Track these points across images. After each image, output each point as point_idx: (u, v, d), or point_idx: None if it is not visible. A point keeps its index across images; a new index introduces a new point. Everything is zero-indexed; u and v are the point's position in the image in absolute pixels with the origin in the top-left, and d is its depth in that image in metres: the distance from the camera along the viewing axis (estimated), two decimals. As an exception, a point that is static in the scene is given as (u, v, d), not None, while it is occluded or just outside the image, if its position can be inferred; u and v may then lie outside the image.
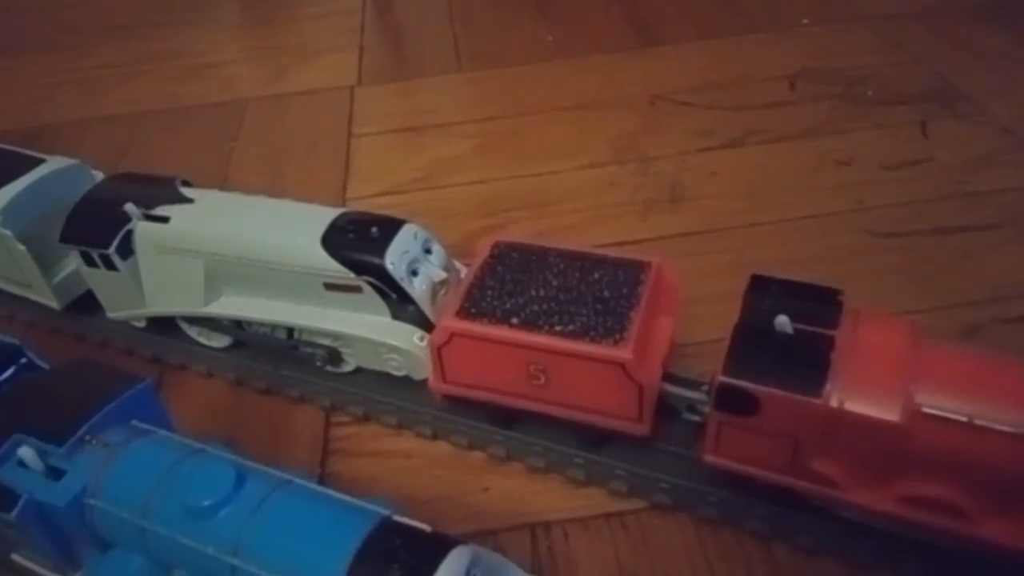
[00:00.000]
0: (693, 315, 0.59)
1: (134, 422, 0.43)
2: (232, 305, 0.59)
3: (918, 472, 0.40)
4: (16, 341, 0.50)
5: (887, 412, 0.39)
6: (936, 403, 0.39)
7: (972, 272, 0.65)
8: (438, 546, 0.35)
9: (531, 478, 0.53)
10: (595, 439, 0.52)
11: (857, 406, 0.40)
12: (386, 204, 0.81)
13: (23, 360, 0.49)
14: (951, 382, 0.40)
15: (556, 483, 0.53)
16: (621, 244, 0.72)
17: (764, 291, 0.45)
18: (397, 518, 0.37)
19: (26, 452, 0.41)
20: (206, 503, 0.38)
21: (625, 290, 0.49)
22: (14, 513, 0.39)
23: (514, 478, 0.54)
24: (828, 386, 0.40)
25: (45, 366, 0.49)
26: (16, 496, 0.40)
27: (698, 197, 0.78)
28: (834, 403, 0.40)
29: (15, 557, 0.46)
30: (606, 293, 0.49)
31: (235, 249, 0.56)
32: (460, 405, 0.55)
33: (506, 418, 0.54)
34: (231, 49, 1.20)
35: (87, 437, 0.42)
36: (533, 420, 0.53)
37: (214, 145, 0.95)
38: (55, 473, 0.41)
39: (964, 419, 0.38)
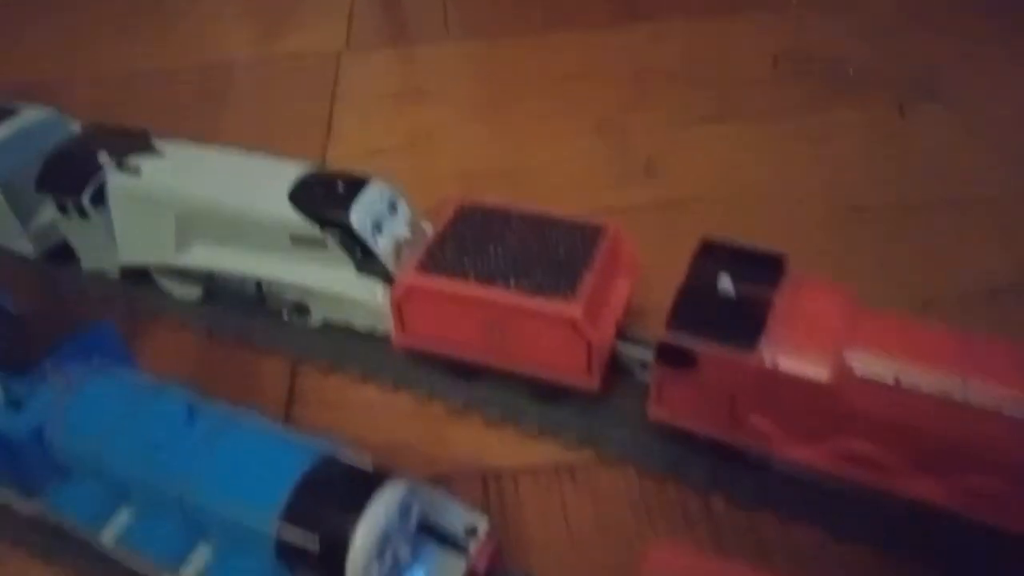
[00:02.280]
0: (659, 281, 0.60)
1: (95, 359, 0.45)
2: (202, 257, 0.60)
3: (848, 430, 0.42)
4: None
5: (817, 372, 0.41)
6: (865, 365, 0.40)
7: (934, 249, 0.67)
8: (376, 479, 0.37)
9: (487, 429, 0.55)
10: (549, 394, 0.53)
11: (789, 365, 0.41)
12: (366, 167, 0.81)
13: (-8, 301, 0.50)
14: (882, 346, 0.41)
15: (510, 434, 0.54)
16: (594, 213, 0.73)
17: (712, 254, 0.47)
18: (341, 456, 0.39)
19: (-12, 383, 0.42)
20: (160, 435, 0.39)
21: (580, 252, 0.51)
22: (-25, 440, 0.41)
23: (471, 428, 0.55)
24: (762, 345, 0.41)
25: (11, 310, 0.50)
26: (-23, 424, 0.41)
27: (673, 170, 0.79)
28: (767, 362, 0.41)
29: (-20, 487, 0.47)
30: (561, 254, 0.50)
31: (205, 201, 0.57)
32: (421, 358, 0.56)
33: (465, 371, 0.55)
34: (220, 11, 1.20)
35: (49, 370, 0.43)
36: (491, 374, 0.55)
37: (199, 107, 0.96)
38: (16, 405, 0.43)
39: (891, 381, 0.40)
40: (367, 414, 0.57)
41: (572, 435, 0.53)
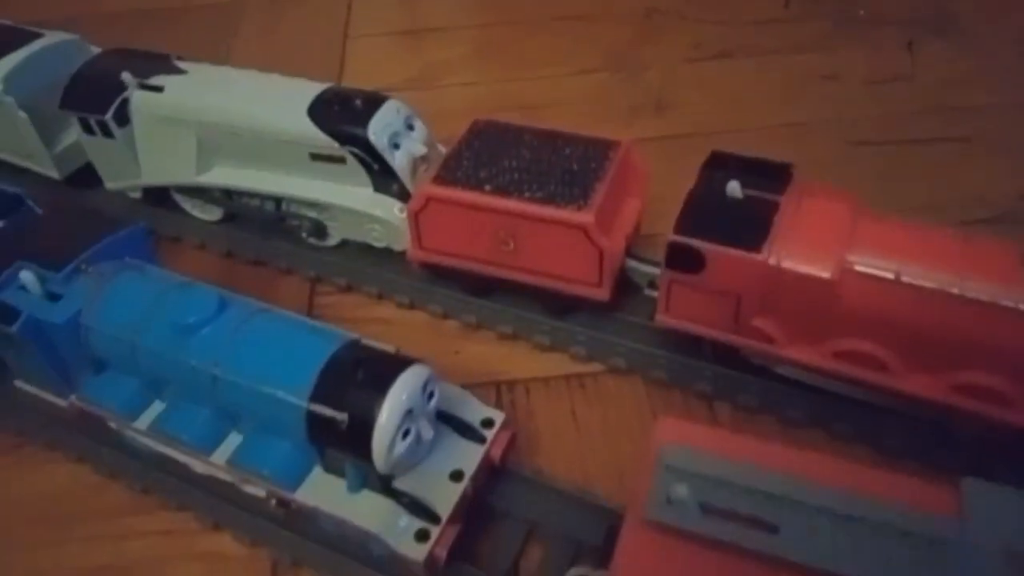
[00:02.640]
0: (666, 211, 0.62)
1: (127, 259, 0.47)
2: (223, 175, 0.62)
3: (848, 329, 0.43)
4: (18, 189, 0.53)
5: (820, 269, 0.42)
6: (866, 261, 0.42)
7: (940, 179, 0.68)
8: (400, 362, 0.39)
9: (500, 343, 0.57)
10: (560, 308, 0.55)
11: (793, 263, 0.43)
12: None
13: (23, 207, 0.52)
14: (883, 245, 0.42)
15: (523, 348, 0.56)
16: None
17: (721, 164, 0.48)
18: (365, 341, 0.41)
19: (27, 276, 0.44)
20: (191, 321, 0.41)
21: (593, 165, 0.52)
22: (15, 327, 0.43)
23: (484, 343, 0.57)
24: (768, 245, 0.43)
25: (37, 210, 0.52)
26: (17, 313, 0.43)
27: (683, 104, 0.80)
28: (772, 260, 0.43)
29: (18, 383, 0.50)
30: (574, 166, 0.52)
31: (226, 118, 0.58)
32: (436, 276, 0.58)
33: (479, 288, 0.57)
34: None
35: (83, 267, 0.45)
36: (504, 291, 0.56)
37: (212, 44, 0.96)
38: (53, 298, 0.45)
39: (891, 276, 0.41)
40: (384, 330, 0.59)
41: (581, 348, 0.55)
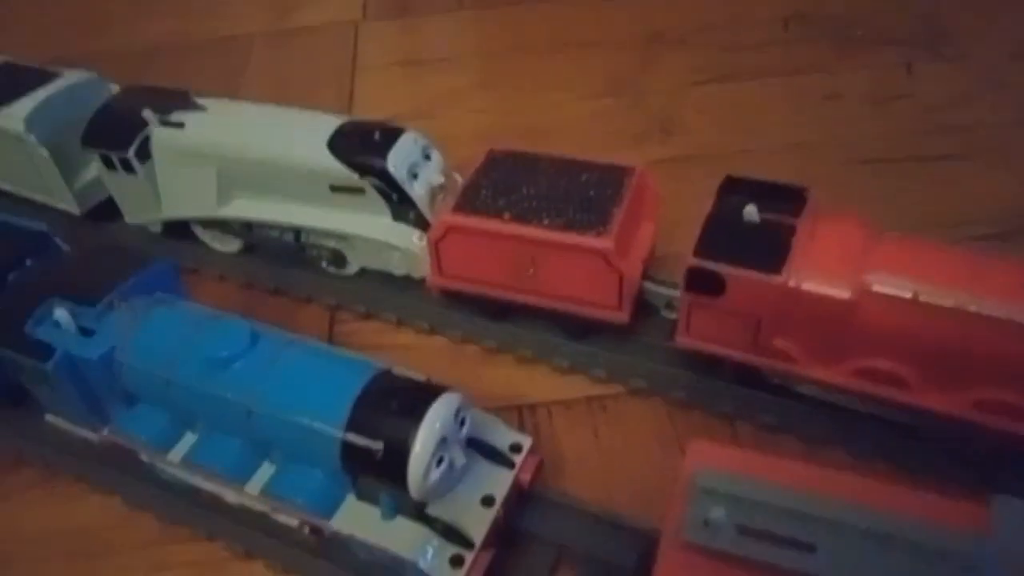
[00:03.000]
0: (677, 233, 0.63)
1: (158, 293, 0.48)
2: (243, 208, 0.63)
3: (867, 347, 0.44)
4: (44, 227, 0.54)
5: (839, 290, 0.43)
6: (884, 282, 0.43)
7: (943, 197, 0.69)
8: (432, 390, 0.40)
9: (520, 367, 0.58)
10: (579, 331, 0.56)
11: (812, 285, 0.44)
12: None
13: (50, 243, 0.53)
14: (899, 265, 0.44)
15: (543, 371, 0.57)
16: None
17: (736, 188, 0.49)
18: (396, 369, 0.42)
19: (61, 313, 0.45)
20: (225, 355, 0.42)
21: (609, 191, 0.53)
22: (51, 363, 0.44)
23: (505, 367, 0.58)
24: (787, 267, 0.44)
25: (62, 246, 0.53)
26: (52, 350, 0.44)
27: (689, 129, 0.81)
28: (792, 282, 0.44)
29: (48, 417, 0.50)
30: (591, 193, 0.53)
31: (247, 152, 0.60)
32: (456, 302, 0.59)
33: (498, 313, 0.58)
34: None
35: (115, 302, 0.46)
36: (523, 315, 0.57)
37: (223, 78, 0.98)
38: (86, 333, 0.45)
39: (909, 295, 0.42)
40: (404, 357, 0.59)
41: (601, 370, 0.55)
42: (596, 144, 0.80)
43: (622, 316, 0.53)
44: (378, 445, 0.38)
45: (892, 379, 0.44)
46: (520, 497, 0.45)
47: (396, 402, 0.39)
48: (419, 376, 0.41)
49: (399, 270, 0.60)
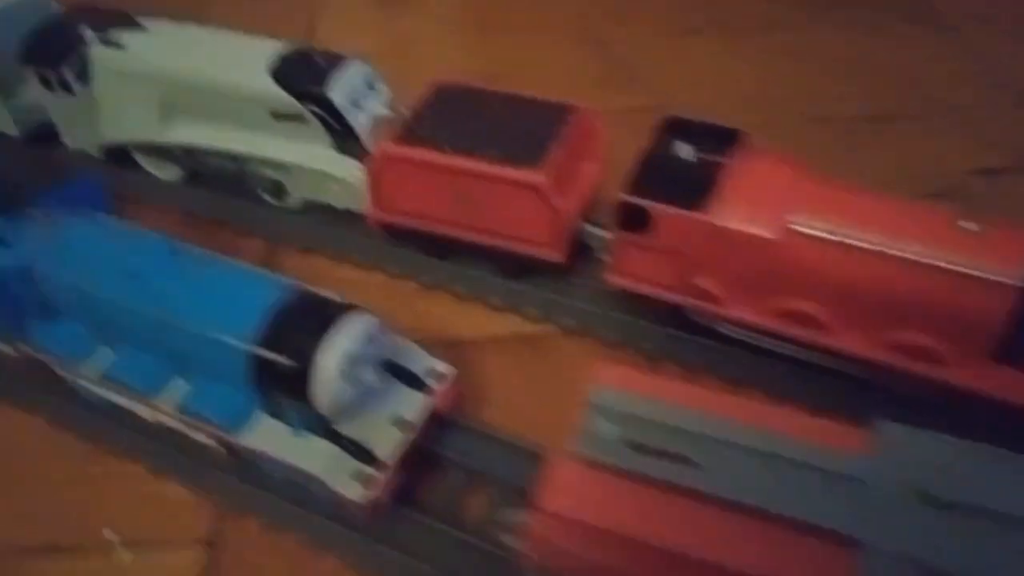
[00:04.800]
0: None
1: (81, 208, 0.47)
2: (184, 133, 0.62)
3: (789, 288, 0.44)
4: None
5: (761, 229, 0.43)
6: (806, 222, 0.43)
7: (897, 155, 0.69)
8: (344, 308, 0.40)
9: (456, 304, 0.58)
10: (516, 270, 0.56)
11: (735, 223, 0.44)
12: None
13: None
14: (824, 206, 0.44)
15: (478, 309, 0.57)
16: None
17: (674, 128, 0.49)
18: (313, 289, 0.41)
19: (-26, 222, 0.44)
20: (141, 267, 0.42)
21: (549, 128, 0.53)
22: (-37, 272, 0.43)
23: (440, 304, 0.58)
24: (713, 205, 0.44)
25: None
26: (-35, 258, 0.43)
27: (651, 78, 0.81)
28: (716, 220, 0.44)
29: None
30: (531, 128, 0.52)
31: (187, 75, 0.58)
32: (397, 239, 0.59)
33: (437, 250, 0.58)
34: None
35: (35, 213, 0.45)
36: (462, 253, 0.57)
37: (184, 8, 0.96)
38: (2, 243, 0.45)
39: (830, 236, 0.42)
40: (343, 292, 0.60)
41: (534, 309, 0.56)
42: (557, 89, 0.77)
43: (556, 254, 0.53)
44: (285, 359, 0.38)
45: (811, 320, 0.45)
46: (439, 424, 0.45)
47: (307, 319, 0.39)
48: (336, 296, 0.41)
49: (340, 203, 0.60)
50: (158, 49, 0.60)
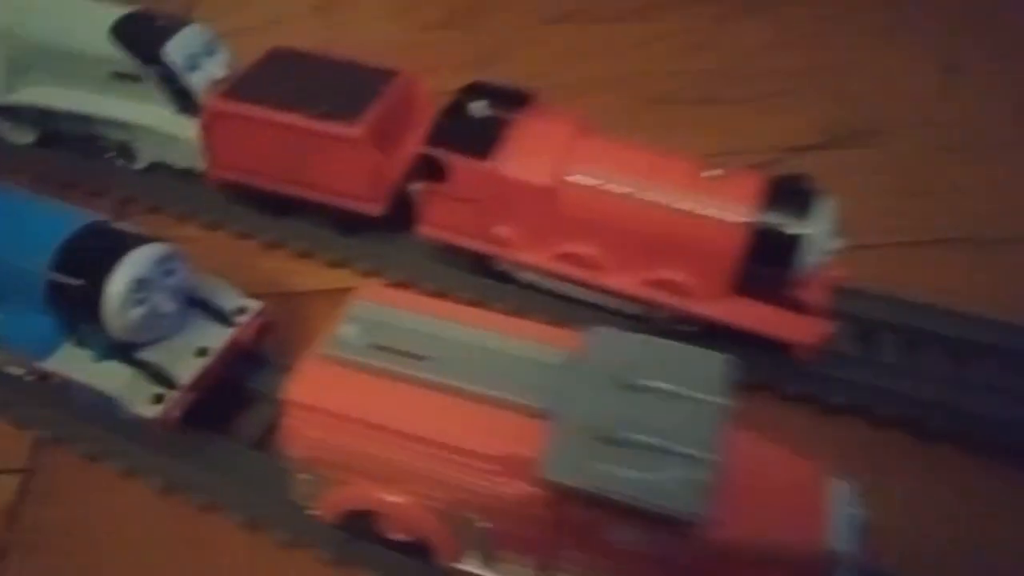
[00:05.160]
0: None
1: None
2: (32, 94, 0.63)
3: (567, 233, 0.50)
4: None
5: (540, 177, 0.48)
6: (578, 171, 0.48)
7: (720, 135, 0.75)
8: (139, 238, 0.43)
9: (293, 260, 0.61)
10: (349, 227, 0.60)
11: (516, 171, 0.48)
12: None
13: None
14: (600, 159, 0.49)
15: (314, 265, 0.61)
16: (432, 95, 0.79)
17: (475, 90, 0.53)
18: (113, 223, 0.44)
19: None
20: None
21: (374, 89, 0.57)
22: None
23: (279, 260, 0.61)
24: (497, 154, 0.49)
25: None
26: None
27: (510, 62, 0.86)
28: (499, 169, 0.49)
29: None
30: (355, 89, 0.56)
31: (32, 35, 0.60)
32: (235, 195, 0.62)
33: (278, 209, 0.61)
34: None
35: None
36: (300, 211, 0.60)
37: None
38: None
39: (602, 186, 0.47)
40: (186, 249, 0.62)
41: (365, 263, 0.59)
42: (416, 69, 0.84)
43: (376, 208, 0.56)
44: (78, 282, 0.41)
45: (588, 261, 0.50)
46: (255, 361, 0.49)
47: (101, 246, 0.42)
48: (134, 228, 0.44)
49: (181, 162, 0.62)
50: (3, 9, 0.61)
